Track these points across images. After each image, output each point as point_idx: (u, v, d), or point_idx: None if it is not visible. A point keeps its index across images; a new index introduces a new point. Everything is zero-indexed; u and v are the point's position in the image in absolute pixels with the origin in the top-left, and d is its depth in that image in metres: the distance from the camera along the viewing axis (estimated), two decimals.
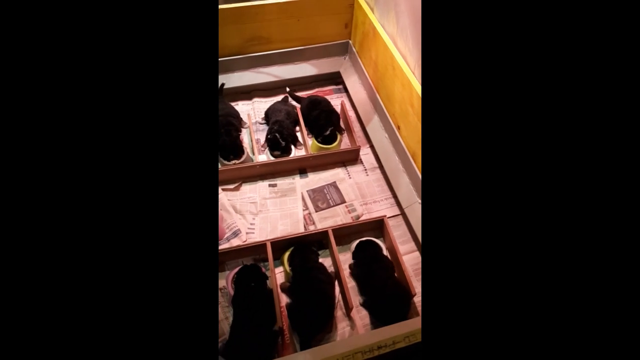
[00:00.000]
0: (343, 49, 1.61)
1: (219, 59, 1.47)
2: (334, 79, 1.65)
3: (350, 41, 1.58)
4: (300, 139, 1.42)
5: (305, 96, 1.52)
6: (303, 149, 1.40)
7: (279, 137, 1.32)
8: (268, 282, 1.04)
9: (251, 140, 1.41)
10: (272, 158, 1.36)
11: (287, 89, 1.55)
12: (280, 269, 1.11)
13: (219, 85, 1.47)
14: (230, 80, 1.51)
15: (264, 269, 1.06)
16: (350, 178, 1.35)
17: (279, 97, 1.54)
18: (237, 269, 1.04)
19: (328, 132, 1.36)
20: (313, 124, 1.40)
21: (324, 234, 1.13)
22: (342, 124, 1.47)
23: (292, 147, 1.39)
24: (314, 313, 0.97)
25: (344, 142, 1.44)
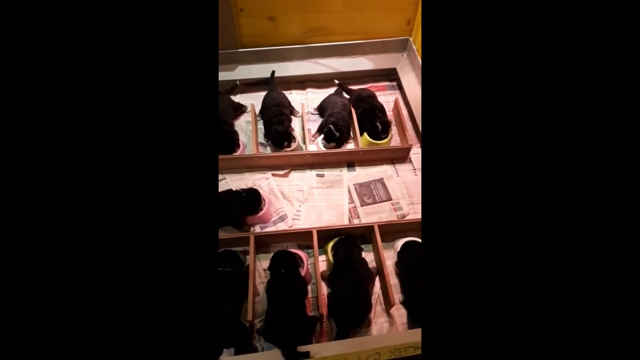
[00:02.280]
0: (402, 46, 1.59)
1: (278, 47, 1.50)
2: (389, 75, 1.63)
3: (410, 38, 1.55)
4: (350, 132, 1.42)
5: (355, 89, 1.51)
6: (352, 143, 1.40)
7: (334, 128, 1.33)
8: (311, 269, 1.05)
9: (302, 129, 1.42)
10: (324, 149, 1.37)
11: (336, 82, 1.55)
12: (324, 257, 1.13)
13: (271, 72, 1.50)
14: (287, 69, 1.54)
15: (305, 255, 1.08)
16: (398, 176, 1.34)
17: (332, 89, 1.55)
18: (273, 255, 1.07)
19: (380, 128, 1.34)
20: (358, 122, 1.39)
21: (369, 228, 1.13)
22: (393, 120, 1.45)
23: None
24: (352, 306, 0.98)
25: (394, 140, 1.43)
